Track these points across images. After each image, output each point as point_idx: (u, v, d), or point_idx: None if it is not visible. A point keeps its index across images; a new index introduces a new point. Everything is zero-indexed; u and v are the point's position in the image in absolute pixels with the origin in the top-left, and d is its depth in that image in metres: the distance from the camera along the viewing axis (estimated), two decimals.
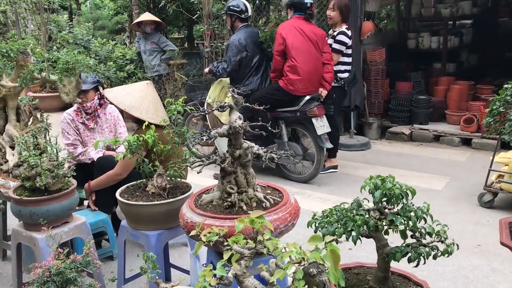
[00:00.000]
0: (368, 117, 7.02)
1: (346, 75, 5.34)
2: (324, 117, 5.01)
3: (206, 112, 2.37)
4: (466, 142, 6.36)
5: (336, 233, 1.72)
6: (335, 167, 5.44)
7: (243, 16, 5.30)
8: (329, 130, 5.02)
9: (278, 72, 5.02)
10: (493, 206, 4.27)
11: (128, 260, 3.07)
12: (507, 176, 4.11)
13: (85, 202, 3.80)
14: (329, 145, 5.03)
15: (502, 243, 1.55)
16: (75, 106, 3.68)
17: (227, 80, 5.42)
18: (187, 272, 3.06)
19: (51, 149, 2.68)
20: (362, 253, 3.39)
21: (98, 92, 3.67)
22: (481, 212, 4.21)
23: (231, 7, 5.33)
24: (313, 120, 4.89)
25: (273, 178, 5.16)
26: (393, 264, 1.91)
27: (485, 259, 3.38)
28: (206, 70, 5.57)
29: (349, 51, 5.34)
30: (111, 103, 3.70)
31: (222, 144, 5.25)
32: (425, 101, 6.88)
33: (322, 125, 4.93)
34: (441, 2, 8.24)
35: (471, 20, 8.87)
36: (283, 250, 1.40)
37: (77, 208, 3.69)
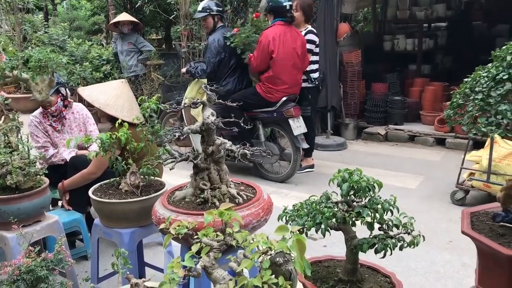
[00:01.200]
0: (344, 117, 7.11)
1: (317, 74, 5.42)
2: (301, 118, 5.06)
3: (179, 108, 2.38)
4: (440, 142, 6.47)
5: (306, 226, 1.75)
6: (312, 166, 5.49)
7: (224, 15, 5.35)
8: (305, 130, 5.08)
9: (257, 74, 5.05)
10: (465, 203, 4.36)
11: (102, 260, 3.05)
12: (477, 174, 4.21)
13: (59, 203, 3.76)
14: (305, 145, 5.08)
15: (463, 232, 1.60)
16: (41, 109, 3.60)
17: (205, 80, 5.42)
18: (161, 270, 3.06)
19: (23, 147, 2.66)
20: (336, 249, 3.42)
21: (61, 94, 3.58)
22: (453, 210, 4.29)
23: (214, 8, 5.32)
24: (290, 120, 4.94)
25: (250, 178, 5.17)
26: (364, 258, 1.95)
27: (456, 255, 3.46)
28: (184, 70, 5.57)
29: (317, 50, 5.45)
30: (81, 101, 3.66)
31: (197, 140, 5.27)
32: (400, 102, 6.99)
33: (298, 126, 4.98)
34: (416, 5, 8.38)
35: (446, 22, 9.04)
36: (251, 241, 1.42)
37: (51, 208, 3.66)
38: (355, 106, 7.29)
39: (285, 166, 5.25)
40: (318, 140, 6.58)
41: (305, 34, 5.23)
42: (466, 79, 1.66)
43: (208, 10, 5.33)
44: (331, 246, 3.52)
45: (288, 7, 4.93)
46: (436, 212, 4.25)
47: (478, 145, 4.91)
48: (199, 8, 5.38)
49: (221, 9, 5.33)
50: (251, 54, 4.97)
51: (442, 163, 5.76)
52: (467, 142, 4.34)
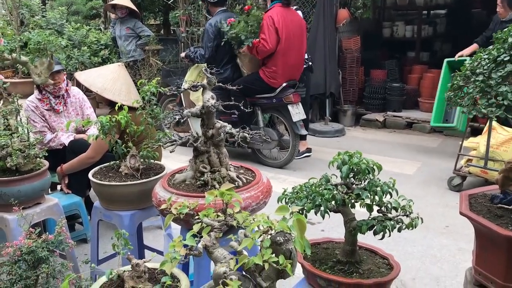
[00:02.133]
0: (343, 104, 7.12)
1: (306, 55, 5.45)
2: (300, 104, 5.06)
3: (179, 91, 2.38)
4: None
5: (305, 208, 1.77)
6: (309, 150, 5.51)
7: (212, 0, 5.27)
8: (304, 117, 5.09)
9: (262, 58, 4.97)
10: (462, 189, 4.39)
11: (102, 243, 3.07)
12: (475, 160, 4.24)
13: (58, 187, 3.77)
14: (304, 131, 5.10)
15: (461, 213, 1.62)
16: (36, 93, 3.60)
17: (204, 65, 5.40)
18: (161, 253, 3.07)
19: (22, 129, 2.66)
20: (334, 234, 3.45)
21: (65, 73, 3.63)
22: (450, 196, 4.33)
23: None
24: (289, 107, 4.94)
25: (249, 163, 5.17)
26: (362, 240, 1.97)
27: (452, 239, 3.49)
28: (182, 55, 5.55)
29: None
30: (79, 86, 3.66)
31: (196, 126, 5.27)
32: (398, 89, 7.00)
33: (298, 112, 4.99)
34: None
35: (445, 10, 9.01)
36: (252, 222, 1.43)
37: (50, 192, 3.67)
38: (354, 92, 7.29)
39: (283, 152, 5.26)
40: (316, 127, 6.60)
41: None
42: (466, 61, 1.67)
43: None
44: (329, 230, 3.55)
45: None
46: (433, 198, 4.29)
47: (474, 131, 4.92)
48: None
49: None
50: (256, 40, 4.81)
51: (439, 149, 5.79)
52: (465, 129, 4.36)
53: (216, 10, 5.31)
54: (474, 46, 5.38)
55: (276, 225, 1.35)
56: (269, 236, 1.34)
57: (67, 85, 3.64)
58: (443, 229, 3.67)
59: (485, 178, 4.19)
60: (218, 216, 1.58)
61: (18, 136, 2.60)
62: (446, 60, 5.70)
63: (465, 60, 5.23)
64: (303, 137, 5.50)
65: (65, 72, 3.66)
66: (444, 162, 5.12)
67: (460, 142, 4.46)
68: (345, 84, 7.19)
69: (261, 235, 1.36)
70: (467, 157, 4.39)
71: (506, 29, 1.56)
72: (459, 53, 5.50)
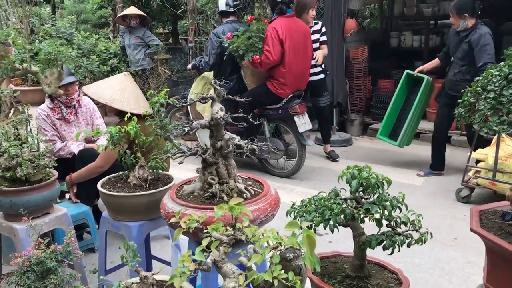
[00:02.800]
0: (350, 114, 7.11)
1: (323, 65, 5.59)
2: (306, 114, 5.06)
3: (187, 103, 2.39)
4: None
5: (314, 222, 1.76)
6: (334, 155, 5.78)
7: (225, 9, 5.32)
8: (310, 127, 5.09)
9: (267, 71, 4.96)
10: (470, 201, 4.37)
11: (110, 252, 3.08)
12: (483, 171, 4.21)
13: (67, 195, 3.79)
14: (310, 142, 5.09)
15: (472, 230, 1.61)
16: (47, 102, 3.64)
17: (211, 74, 5.43)
18: (168, 264, 3.08)
19: (32, 139, 2.68)
20: (342, 245, 3.43)
21: (78, 83, 3.67)
22: (458, 207, 4.30)
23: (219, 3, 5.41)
24: (295, 117, 4.93)
25: (256, 173, 5.19)
26: (371, 254, 1.96)
27: (460, 252, 3.47)
28: (189, 66, 5.57)
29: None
30: (89, 97, 3.69)
31: (203, 137, 5.28)
32: None
33: (304, 123, 4.98)
34: (423, 1, 8.35)
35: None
36: (261, 236, 1.43)
37: (58, 200, 3.69)
38: (361, 102, 7.28)
39: (290, 162, 5.25)
40: None
41: (321, 27, 5.55)
42: (477, 78, 1.67)
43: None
44: (336, 242, 3.54)
45: (279, 1, 4.89)
46: (440, 209, 4.26)
47: (483, 143, 4.89)
48: None
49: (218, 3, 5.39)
50: (256, 57, 4.77)
51: (447, 160, 5.73)
52: (474, 140, 4.33)
53: (225, 20, 5.34)
54: (435, 61, 5.26)
55: (285, 241, 1.35)
56: (279, 252, 1.34)
57: (79, 95, 3.68)
58: (451, 241, 3.64)
59: (494, 190, 4.17)
60: (227, 230, 1.58)
61: (28, 146, 2.62)
62: (406, 71, 5.57)
63: (424, 77, 5.19)
64: (326, 141, 5.76)
65: (77, 83, 3.69)
66: (451, 173, 5.09)
67: (468, 153, 4.44)
68: (352, 94, 7.18)
69: (270, 251, 1.36)
70: (475, 168, 4.37)
71: None
72: (420, 68, 5.34)
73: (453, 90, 4.65)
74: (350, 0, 6.92)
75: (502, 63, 1.61)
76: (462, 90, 1.76)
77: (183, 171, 4.51)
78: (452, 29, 4.97)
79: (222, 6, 5.33)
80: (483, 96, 1.50)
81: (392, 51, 8.46)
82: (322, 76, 5.60)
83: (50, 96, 3.57)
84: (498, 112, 1.44)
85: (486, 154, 4.24)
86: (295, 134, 5.01)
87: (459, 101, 1.72)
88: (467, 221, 3.99)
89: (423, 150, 6.18)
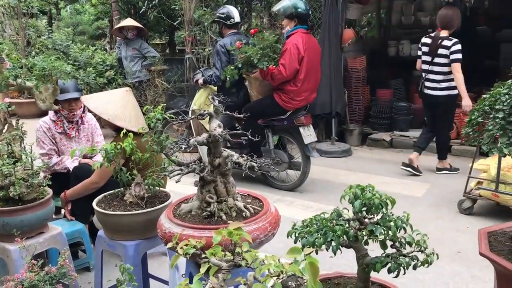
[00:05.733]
0: (349, 124, 7.07)
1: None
2: (311, 126, 5.00)
3: (184, 120, 2.34)
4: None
5: (316, 243, 1.70)
6: (452, 169, 5.61)
7: (228, 22, 5.28)
8: (315, 139, 5.03)
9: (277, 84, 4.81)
10: (472, 212, 4.31)
11: (106, 271, 3.00)
12: (485, 183, 4.15)
13: (63, 211, 3.72)
14: (315, 154, 5.01)
15: (481, 254, 1.55)
16: (51, 115, 3.60)
17: (214, 87, 5.39)
18: (166, 282, 3.00)
19: (26, 157, 2.62)
20: (343, 260, 3.37)
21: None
22: (461, 219, 4.24)
23: (218, 14, 5.36)
24: (300, 129, 4.87)
25: (257, 184, 5.14)
26: (373, 274, 1.90)
27: (465, 266, 3.40)
28: (200, 81, 5.46)
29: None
30: (90, 111, 3.64)
31: (205, 150, 5.20)
32: (405, 108, 6.95)
33: (309, 134, 4.92)
34: (421, 10, 8.35)
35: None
36: (262, 263, 1.37)
37: (54, 216, 3.62)
38: (360, 112, 7.25)
39: (292, 175, 5.19)
40: (322, 147, 6.54)
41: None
42: (484, 95, 1.61)
43: (215, 17, 5.38)
44: (338, 257, 3.44)
45: (306, 13, 4.83)
46: (443, 222, 4.20)
47: (483, 152, 4.84)
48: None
49: (223, 16, 5.29)
50: (273, 66, 4.65)
51: (447, 171, 5.70)
52: (476, 150, 4.29)
53: (228, 32, 5.30)
54: None
55: (287, 268, 1.29)
56: (281, 280, 1.28)
57: (83, 112, 3.64)
58: (454, 255, 3.58)
59: (497, 202, 4.11)
60: (225, 254, 1.52)
61: (21, 164, 2.56)
62: None
63: None
64: (443, 157, 5.59)
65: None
66: (453, 184, 5.03)
67: (470, 164, 4.39)
68: (351, 104, 7.15)
69: (271, 279, 1.30)
70: (477, 179, 4.31)
71: None
72: None
73: None
74: (347, 10, 6.90)
75: (510, 81, 1.55)
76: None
77: (181, 184, 4.44)
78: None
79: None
80: (491, 116, 1.45)
81: (391, 60, 8.44)
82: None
83: None
84: (508, 133, 1.38)
85: (488, 165, 4.18)
86: (300, 145, 4.94)
87: (466, 119, 1.66)
88: (470, 233, 3.96)
89: (423, 160, 6.13)
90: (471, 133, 1.56)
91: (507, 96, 1.44)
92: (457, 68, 5.05)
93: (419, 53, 5.44)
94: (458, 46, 5.08)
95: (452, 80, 5.16)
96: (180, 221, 2.13)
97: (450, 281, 3.22)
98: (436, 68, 5.24)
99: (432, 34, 5.32)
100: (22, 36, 8.31)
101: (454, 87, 5.15)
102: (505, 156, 1.45)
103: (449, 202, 4.61)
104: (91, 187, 3.16)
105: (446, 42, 5.12)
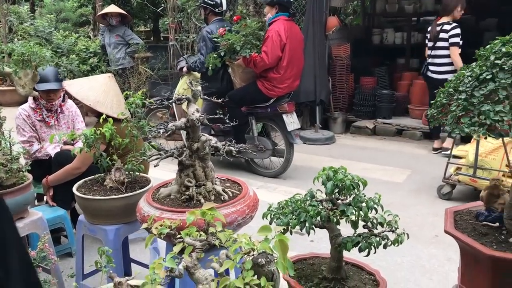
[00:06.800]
0: (333, 111, 7.12)
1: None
2: (294, 113, 5.03)
3: (167, 103, 2.36)
4: (428, 136, 6.49)
5: (290, 224, 1.74)
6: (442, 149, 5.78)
7: (217, 10, 5.24)
8: (299, 126, 5.06)
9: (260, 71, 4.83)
10: (451, 198, 4.39)
11: (88, 255, 3.03)
12: (464, 168, 4.23)
13: (45, 198, 3.72)
14: (299, 141, 5.06)
15: (446, 231, 1.60)
16: (30, 102, 3.58)
17: (197, 74, 5.38)
18: (147, 266, 3.04)
19: (5, 143, 2.61)
20: (323, 244, 3.43)
21: (62, 88, 3.58)
22: (440, 204, 4.32)
23: (206, 0, 5.30)
24: (284, 116, 4.90)
25: (242, 172, 5.18)
26: (349, 255, 1.95)
27: (441, 249, 3.48)
28: (184, 69, 5.44)
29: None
30: (71, 97, 3.62)
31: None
32: (388, 96, 7.01)
33: (292, 122, 4.96)
34: None
35: (434, 16, 9.03)
36: (234, 241, 1.40)
37: (36, 203, 3.62)
38: (344, 100, 7.30)
39: (276, 162, 5.23)
40: (306, 134, 6.59)
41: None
42: (450, 78, 1.65)
43: (201, 1, 5.33)
44: (318, 241, 3.53)
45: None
46: (422, 207, 4.28)
47: (463, 139, 4.93)
48: None
49: (212, 3, 5.25)
50: (255, 54, 4.68)
51: (429, 157, 5.79)
52: (455, 137, 4.36)
53: (213, 19, 5.28)
54: None
55: (258, 246, 1.32)
56: (251, 257, 1.32)
57: (63, 100, 3.62)
58: (432, 239, 3.65)
59: (474, 187, 4.20)
60: (200, 235, 1.55)
61: (0, 150, 2.56)
62: None
63: None
64: (437, 136, 5.83)
65: (63, 89, 3.58)
66: (434, 170, 5.12)
67: (449, 151, 4.46)
68: (335, 92, 7.19)
69: (242, 256, 1.33)
70: (456, 165, 4.39)
71: (488, 46, 1.55)
72: None
73: None
74: None
75: (473, 64, 1.60)
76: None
77: (164, 171, 4.46)
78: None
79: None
80: (455, 97, 1.49)
81: (375, 48, 8.49)
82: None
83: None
84: (469, 114, 1.43)
85: (467, 151, 4.26)
86: (284, 133, 4.98)
87: (431, 101, 1.71)
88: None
89: (405, 147, 6.22)
90: (436, 114, 1.60)
91: (469, 78, 1.49)
92: (454, 51, 5.35)
93: (426, 41, 5.74)
94: (457, 30, 5.38)
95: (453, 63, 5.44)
96: (158, 205, 2.16)
97: (426, 264, 3.29)
98: (438, 52, 5.54)
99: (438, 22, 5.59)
100: (3, 23, 8.18)
101: (456, 71, 5.30)
102: (466, 135, 1.49)
103: (429, 187, 4.69)
104: (73, 173, 3.17)
105: (446, 27, 5.45)
